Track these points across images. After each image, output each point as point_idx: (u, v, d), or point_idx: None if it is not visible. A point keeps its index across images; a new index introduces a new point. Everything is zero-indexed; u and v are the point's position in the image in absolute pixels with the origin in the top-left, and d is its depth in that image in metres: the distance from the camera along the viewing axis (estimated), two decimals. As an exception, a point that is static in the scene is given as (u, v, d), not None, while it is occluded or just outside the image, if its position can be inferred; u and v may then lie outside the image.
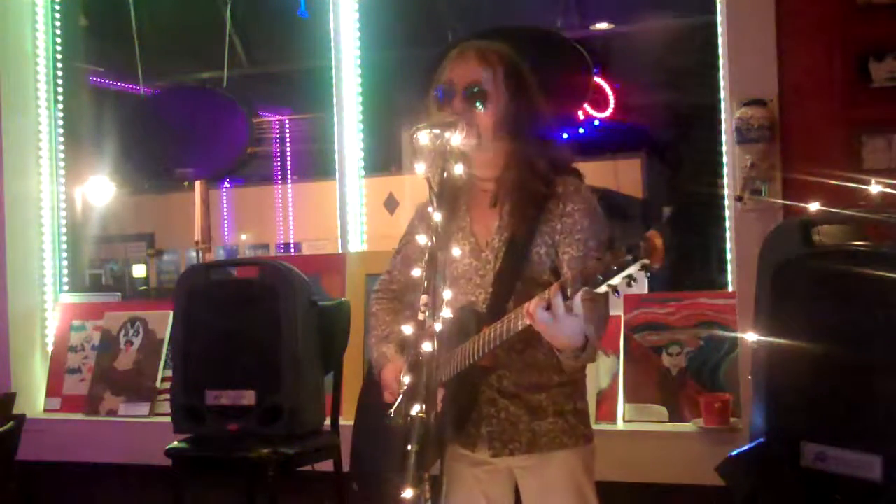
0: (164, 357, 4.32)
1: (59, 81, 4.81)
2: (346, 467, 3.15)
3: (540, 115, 2.30)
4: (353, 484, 2.50)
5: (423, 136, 2.02)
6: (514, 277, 2.21)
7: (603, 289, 1.84)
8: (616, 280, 1.81)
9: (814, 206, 2.80)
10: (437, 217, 1.95)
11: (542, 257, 2.22)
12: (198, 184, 5.94)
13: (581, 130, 6.84)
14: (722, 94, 3.67)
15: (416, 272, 1.95)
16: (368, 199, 4.49)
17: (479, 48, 2.26)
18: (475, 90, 2.20)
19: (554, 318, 1.93)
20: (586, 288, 1.85)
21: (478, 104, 2.19)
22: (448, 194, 2.07)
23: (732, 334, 3.56)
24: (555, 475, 2.27)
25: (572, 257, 2.18)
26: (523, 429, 2.25)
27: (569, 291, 1.89)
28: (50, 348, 4.62)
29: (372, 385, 2.44)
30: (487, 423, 2.25)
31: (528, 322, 1.98)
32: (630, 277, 1.80)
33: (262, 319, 3.26)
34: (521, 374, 2.24)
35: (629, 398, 3.68)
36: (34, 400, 4.50)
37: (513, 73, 2.26)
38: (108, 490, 4.29)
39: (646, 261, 1.75)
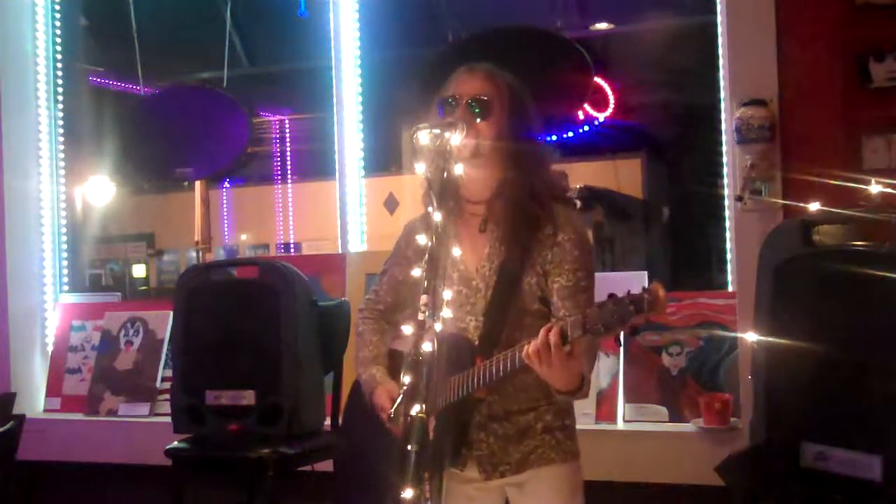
0: (164, 357, 4.32)
1: (59, 81, 4.81)
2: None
3: (538, 144, 2.31)
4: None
5: (423, 137, 2.02)
6: (506, 307, 2.21)
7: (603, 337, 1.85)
8: (617, 331, 1.82)
9: (814, 206, 2.81)
10: (438, 217, 1.95)
11: (532, 287, 2.22)
12: (198, 184, 5.94)
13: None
14: (722, 94, 3.67)
15: (417, 272, 1.95)
16: (368, 199, 4.49)
17: (489, 68, 2.28)
18: (479, 101, 2.21)
19: (554, 363, 1.94)
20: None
21: (479, 115, 2.19)
22: (447, 196, 2.07)
23: (732, 334, 3.56)
24: (543, 491, 2.28)
25: (562, 286, 2.19)
26: (512, 451, 2.26)
27: (569, 337, 1.90)
28: (50, 348, 4.62)
29: (356, 401, 2.44)
30: (478, 448, 2.26)
31: (526, 363, 1.99)
32: (632, 328, 1.81)
33: (262, 319, 3.26)
34: (511, 398, 2.25)
35: (629, 398, 3.68)
36: (34, 400, 4.50)
37: (517, 98, 2.27)
38: (108, 490, 4.29)
39: (649, 312, 1.75)
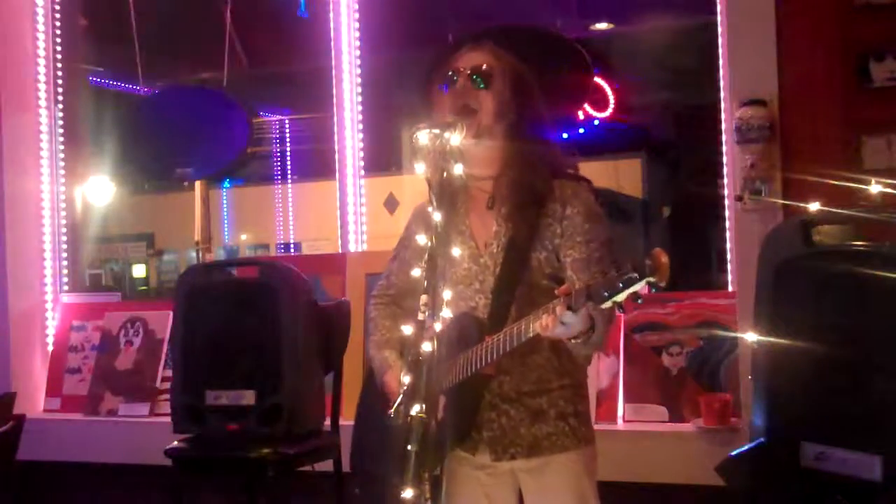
0: (164, 357, 4.32)
1: (59, 81, 4.81)
2: (346, 467, 3.15)
3: (542, 119, 2.31)
4: (356, 489, 2.50)
5: (423, 136, 2.03)
6: (515, 283, 2.20)
7: (608, 304, 1.84)
8: (621, 297, 1.81)
9: (814, 206, 2.80)
10: (437, 217, 1.95)
11: (541, 262, 2.21)
12: (198, 184, 5.93)
13: (581, 130, 6.84)
14: (722, 94, 3.67)
15: (416, 272, 1.95)
16: (368, 199, 4.49)
17: (491, 44, 2.29)
18: (480, 70, 2.22)
19: (565, 328, 1.94)
20: (591, 303, 1.86)
21: (481, 84, 2.20)
22: (447, 196, 2.07)
23: (732, 334, 3.56)
24: (556, 478, 2.27)
25: (575, 259, 2.18)
26: (524, 433, 2.24)
27: (573, 306, 1.90)
28: (50, 348, 4.62)
29: (372, 388, 2.44)
30: (488, 429, 2.25)
31: (535, 332, 1.98)
32: (635, 294, 1.80)
33: (262, 319, 3.26)
34: (522, 379, 2.24)
35: (629, 398, 3.68)
36: (34, 400, 4.50)
37: (520, 74, 2.28)
38: (108, 490, 4.29)
39: (651, 278, 1.75)
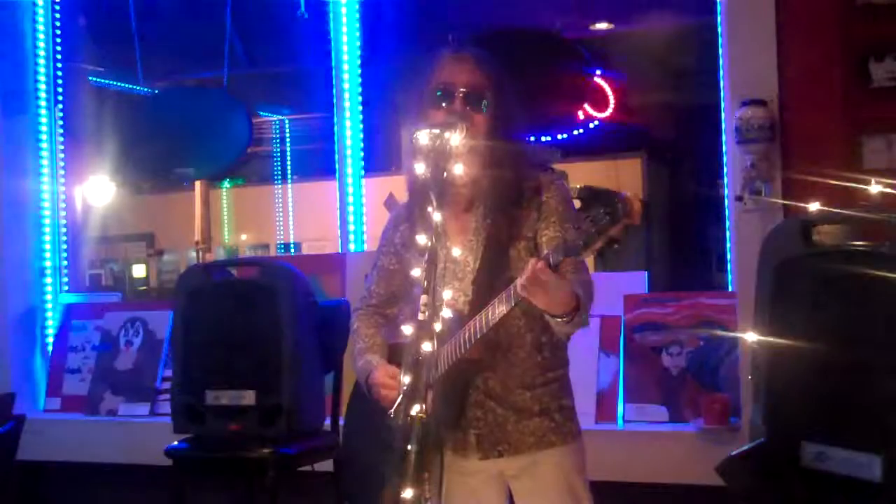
0: (164, 357, 4.32)
1: (59, 81, 4.81)
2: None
3: (521, 123, 2.33)
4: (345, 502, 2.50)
5: (423, 137, 2.03)
6: (495, 276, 2.21)
7: (586, 254, 1.85)
8: (597, 244, 1.81)
9: (814, 206, 2.80)
10: (437, 217, 1.95)
11: (521, 253, 2.23)
12: (198, 184, 5.94)
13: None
14: (722, 94, 3.67)
15: (416, 272, 1.95)
16: (368, 199, 4.49)
17: (475, 54, 2.29)
18: (476, 93, 2.22)
19: (546, 288, 1.94)
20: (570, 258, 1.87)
21: (479, 107, 2.21)
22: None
23: (732, 334, 3.56)
24: (545, 474, 2.28)
25: (550, 238, 2.21)
26: (511, 430, 2.26)
27: (551, 262, 1.91)
28: (50, 348, 4.62)
29: (358, 400, 2.44)
30: (475, 427, 2.26)
31: (520, 297, 1.98)
32: (611, 239, 1.80)
33: (262, 319, 3.26)
34: (507, 375, 2.25)
35: (629, 398, 3.68)
36: (34, 400, 4.50)
37: (502, 80, 2.28)
38: (108, 490, 4.29)
39: (625, 220, 1.75)
